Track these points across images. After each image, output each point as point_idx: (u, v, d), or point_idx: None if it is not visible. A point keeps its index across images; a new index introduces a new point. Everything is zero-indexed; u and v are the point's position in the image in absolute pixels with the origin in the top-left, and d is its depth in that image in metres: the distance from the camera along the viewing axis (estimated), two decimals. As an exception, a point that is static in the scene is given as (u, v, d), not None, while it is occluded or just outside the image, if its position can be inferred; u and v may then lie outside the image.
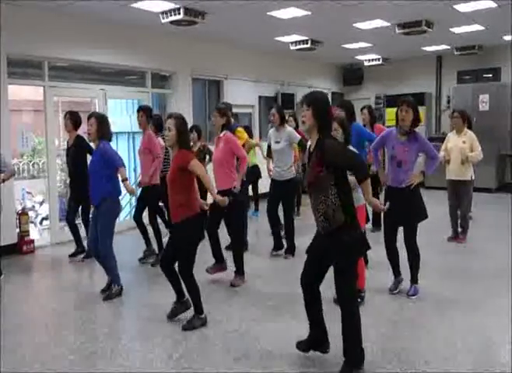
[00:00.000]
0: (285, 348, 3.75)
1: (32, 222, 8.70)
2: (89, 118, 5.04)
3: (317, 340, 3.57)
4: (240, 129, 6.92)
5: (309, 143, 3.42)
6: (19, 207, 7.87)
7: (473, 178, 6.84)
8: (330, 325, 3.53)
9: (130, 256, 6.49)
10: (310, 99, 3.29)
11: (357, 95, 14.27)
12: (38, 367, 3.59)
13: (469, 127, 6.97)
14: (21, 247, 6.96)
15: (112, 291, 5.02)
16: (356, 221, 3.30)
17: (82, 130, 7.74)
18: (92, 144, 5.50)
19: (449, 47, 11.62)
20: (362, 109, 7.69)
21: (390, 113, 13.17)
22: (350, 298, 3.33)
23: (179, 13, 7.31)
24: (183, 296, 4.36)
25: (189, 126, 6.64)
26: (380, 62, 12.90)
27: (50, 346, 3.96)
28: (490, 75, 12.21)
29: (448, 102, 12.62)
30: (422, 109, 12.78)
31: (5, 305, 4.93)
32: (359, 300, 4.37)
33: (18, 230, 7.02)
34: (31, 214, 8.92)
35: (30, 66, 7.48)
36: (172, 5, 7.22)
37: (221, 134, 5.28)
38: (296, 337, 3.73)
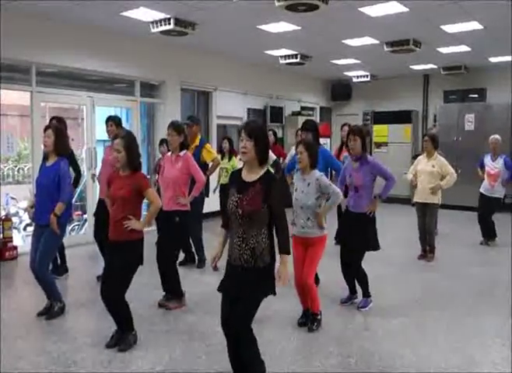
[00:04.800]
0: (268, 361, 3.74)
1: (15, 228, 8.58)
2: (45, 130, 4.72)
3: None
4: (208, 145, 6.79)
5: (238, 164, 3.15)
6: (3, 213, 7.76)
7: (440, 201, 6.95)
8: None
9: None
10: (252, 130, 3.09)
11: (345, 110, 14.42)
12: (17, 376, 3.53)
13: (435, 147, 7.10)
14: (3, 253, 6.86)
15: (54, 308, 4.76)
16: (273, 265, 3.16)
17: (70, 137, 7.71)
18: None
19: (436, 67, 11.81)
20: (342, 126, 7.73)
21: (377, 130, 13.33)
22: (248, 325, 3.16)
23: (169, 23, 7.35)
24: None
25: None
26: (369, 79, 13.07)
27: (31, 356, 3.90)
28: (476, 96, 12.40)
29: (435, 120, 12.77)
30: (408, 127, 13.02)
31: (-15, 312, 4.84)
32: (315, 324, 4.42)
33: (1, 236, 6.94)
34: (15, 219, 8.79)
35: (18, 71, 7.43)
36: (162, 15, 7.26)
37: (180, 153, 5.05)
38: (280, 351, 3.71)
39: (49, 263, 4.79)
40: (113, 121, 6.03)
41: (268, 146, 3.20)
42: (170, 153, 5.22)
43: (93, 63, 8.12)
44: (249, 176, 3.15)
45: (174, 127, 5.06)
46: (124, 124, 9.52)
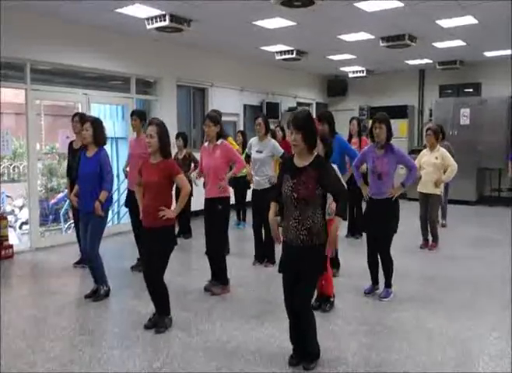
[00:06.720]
0: (267, 357, 3.74)
1: (11, 227, 8.55)
2: (83, 123, 5.14)
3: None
4: (230, 138, 6.98)
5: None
6: (-2, 211, 7.74)
7: (442, 192, 7.38)
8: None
9: (115, 261, 6.41)
10: (299, 123, 3.39)
11: (341, 106, 14.39)
12: (14, 375, 3.51)
13: (443, 138, 7.31)
14: (-1, 252, 6.83)
15: (100, 291, 5.12)
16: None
17: (65, 135, 7.69)
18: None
19: (431, 62, 11.80)
20: (351, 120, 7.83)
21: (373, 124, 13.31)
22: (309, 304, 3.59)
23: (164, 20, 7.32)
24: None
25: (173, 133, 6.58)
26: (364, 74, 13.05)
27: (27, 354, 3.88)
28: (471, 90, 12.43)
29: (430, 115, 12.79)
30: (404, 122, 13.02)
31: (-19, 310, 4.82)
32: (328, 305, 4.73)
33: (-4, 235, 6.90)
34: (10, 218, 8.75)
35: (12, 68, 7.38)
36: (158, 12, 7.23)
37: (218, 142, 5.30)
38: (278, 347, 3.70)
39: (98, 246, 5.08)
40: (137, 115, 6.19)
41: (315, 132, 3.50)
42: (206, 143, 5.47)
43: (88, 60, 8.07)
44: (301, 162, 3.46)
45: (211, 118, 5.33)
46: (120, 121, 9.54)
